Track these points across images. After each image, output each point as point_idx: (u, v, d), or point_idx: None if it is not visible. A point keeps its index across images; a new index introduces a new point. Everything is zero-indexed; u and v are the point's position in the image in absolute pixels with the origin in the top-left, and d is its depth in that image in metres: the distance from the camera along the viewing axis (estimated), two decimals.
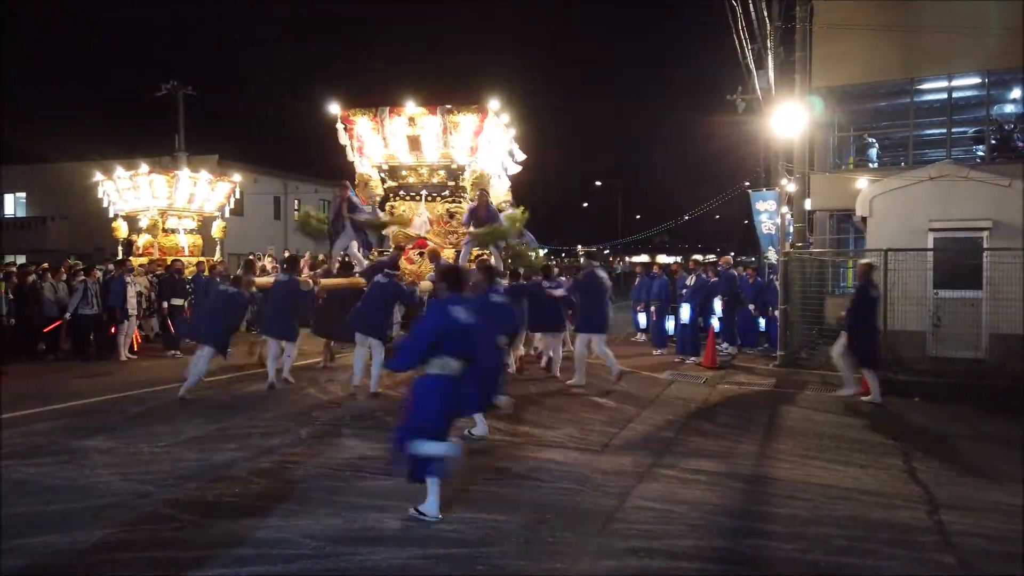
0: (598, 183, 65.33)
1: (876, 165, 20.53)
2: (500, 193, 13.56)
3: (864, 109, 20.26)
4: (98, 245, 28.97)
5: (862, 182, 15.70)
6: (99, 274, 13.49)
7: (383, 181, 12.97)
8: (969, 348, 11.00)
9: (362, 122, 12.55)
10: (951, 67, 16.96)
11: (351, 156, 12.98)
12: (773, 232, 14.29)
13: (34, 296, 12.79)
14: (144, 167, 17.86)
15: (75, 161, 31.06)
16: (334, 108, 12.70)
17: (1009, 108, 19.42)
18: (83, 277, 12.79)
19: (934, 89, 18.31)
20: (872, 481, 5.79)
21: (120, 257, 16.47)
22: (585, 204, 75.67)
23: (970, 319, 10.95)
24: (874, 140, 21.16)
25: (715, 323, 13.64)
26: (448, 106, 11.98)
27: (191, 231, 18.33)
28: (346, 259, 11.90)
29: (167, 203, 17.51)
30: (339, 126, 12.75)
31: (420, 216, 12.43)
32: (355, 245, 12.39)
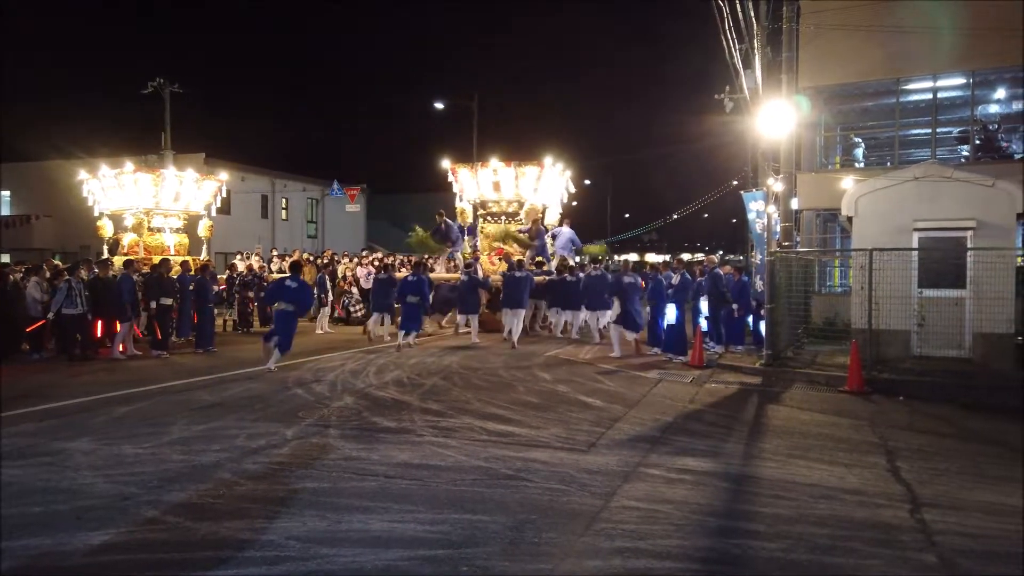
0: (587, 182, 65.27)
1: (862, 165, 20.69)
2: (554, 218, 19.92)
3: (850, 109, 20.40)
4: (83, 244, 28.77)
5: (848, 182, 15.80)
6: (84, 273, 13.39)
7: (475, 210, 19.78)
8: (953, 347, 11.08)
9: (463, 172, 19.48)
10: (936, 67, 17.11)
11: (457, 193, 19.82)
12: (763, 232, 14.38)
13: (17, 295, 12.68)
14: (129, 165, 17.77)
15: (60, 159, 30.86)
16: (445, 163, 19.86)
17: (993, 108, 19.59)
18: (67, 276, 12.70)
19: (919, 89, 18.46)
20: (856, 480, 5.82)
21: (104, 256, 16.35)
22: (574, 203, 75.51)
23: (954, 318, 11.03)
24: (860, 140, 21.32)
25: (703, 322, 13.69)
26: (515, 162, 18.82)
27: (177, 230, 18.24)
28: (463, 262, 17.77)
29: (153, 202, 17.40)
30: (449, 174, 19.75)
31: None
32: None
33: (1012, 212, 11.16)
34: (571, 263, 18.17)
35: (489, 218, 19.46)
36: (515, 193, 19.01)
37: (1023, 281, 12.83)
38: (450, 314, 17.15)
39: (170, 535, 4.51)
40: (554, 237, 19.21)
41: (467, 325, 15.66)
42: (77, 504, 5.02)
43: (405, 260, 21.71)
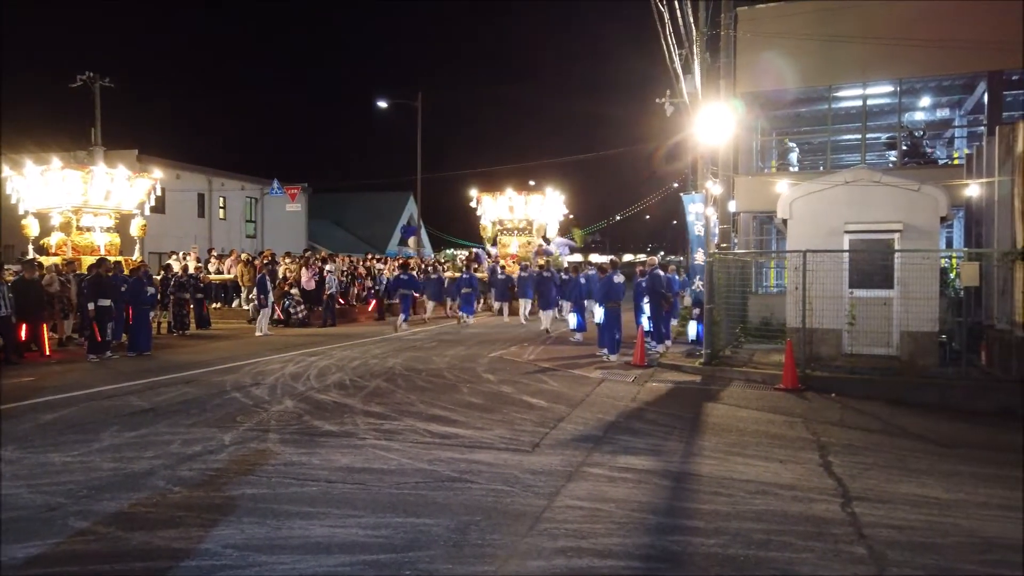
0: (532, 183, 65.51)
1: (796, 169, 21.30)
2: (553, 232, 28.24)
3: (785, 114, 21.00)
4: (7, 244, 27.52)
5: (783, 185, 16.23)
6: (10, 276, 12.83)
7: (495, 226, 27.28)
8: (881, 345, 11.51)
9: (486, 198, 27.11)
10: (866, 75, 17.74)
11: (480, 214, 27.47)
12: (702, 234, 14.72)
13: None
14: (57, 162, 17.09)
15: None
16: (473, 191, 27.44)
17: (919, 116, 20.43)
18: None
19: (850, 96, 19.11)
20: (790, 475, 6.00)
21: (29, 257, 15.68)
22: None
23: (882, 317, 11.44)
24: (795, 144, 21.94)
25: (644, 322, 13.90)
26: (525, 191, 27.04)
27: (108, 229, 17.63)
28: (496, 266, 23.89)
29: (82, 200, 16.79)
30: (474, 199, 27.37)
31: (513, 244, 26.82)
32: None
33: (936, 215, 11.64)
34: (566, 264, 24.77)
35: (505, 232, 27.28)
36: (524, 214, 27.05)
37: (946, 282, 13.45)
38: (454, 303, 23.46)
39: (101, 546, 4.35)
40: (552, 244, 27.02)
41: (500, 311, 22.02)
42: (1, 516, 4.80)
43: (354, 260, 25.89)
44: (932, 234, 11.71)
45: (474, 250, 28.31)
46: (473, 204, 27.46)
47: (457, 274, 22.90)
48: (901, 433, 7.94)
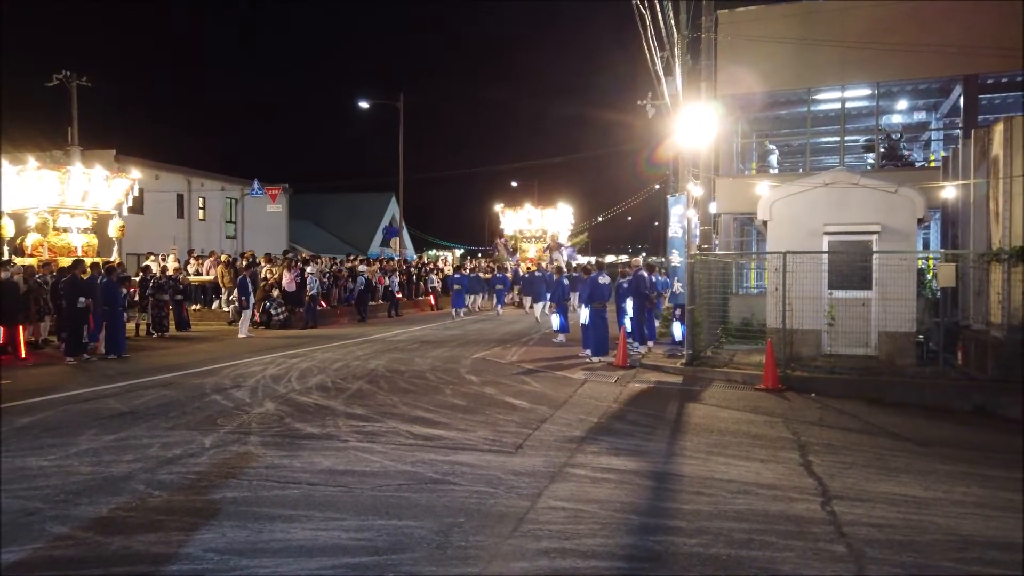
0: (514, 184, 65.60)
1: (776, 171, 21.49)
2: (563, 238, 34.59)
3: (765, 117, 21.18)
4: None
5: (763, 187, 16.38)
6: None
7: (514, 236, 34.24)
8: (860, 345, 11.64)
9: (508, 212, 34.42)
10: (844, 78, 17.94)
11: (504, 225, 34.91)
12: (680, 235, 14.80)
13: None
14: (33, 162, 16.88)
15: None
16: (498, 206, 35.36)
17: (896, 119, 20.69)
18: None
19: (828, 99, 19.32)
20: (771, 475, 6.05)
21: (5, 258, 15.47)
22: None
23: (861, 318, 11.58)
24: (774, 147, 22.15)
25: (627, 323, 13.95)
26: (541, 205, 34.78)
27: (85, 230, 17.42)
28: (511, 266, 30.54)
29: (58, 200, 16.58)
30: (499, 212, 35.02)
31: (531, 249, 33.37)
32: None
33: (913, 217, 11.80)
34: (571, 267, 27.44)
35: (524, 240, 34.13)
36: (540, 224, 33.93)
37: (923, 282, 13.63)
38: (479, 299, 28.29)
39: (79, 551, 4.30)
40: (561, 250, 32.34)
41: (521, 304, 26.08)
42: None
43: (338, 261, 26.73)
44: (909, 235, 11.86)
45: (499, 240, 35.53)
46: (500, 218, 35.11)
47: (488, 275, 28.32)
48: (879, 432, 8.03)
